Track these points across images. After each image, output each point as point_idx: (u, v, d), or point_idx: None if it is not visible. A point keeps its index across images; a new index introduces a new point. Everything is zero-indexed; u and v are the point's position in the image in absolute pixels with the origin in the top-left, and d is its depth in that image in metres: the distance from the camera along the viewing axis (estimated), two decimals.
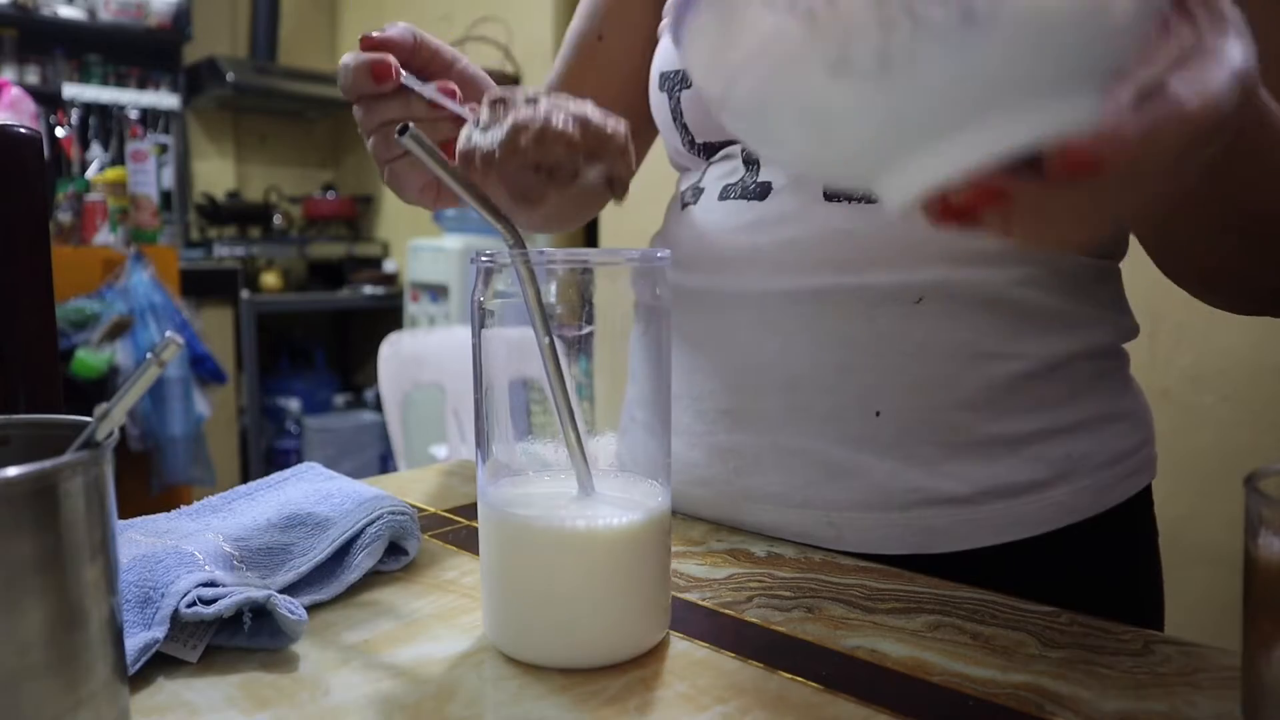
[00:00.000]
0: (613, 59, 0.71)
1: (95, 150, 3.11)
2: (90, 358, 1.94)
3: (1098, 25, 0.25)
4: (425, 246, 2.90)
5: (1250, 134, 0.38)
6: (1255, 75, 0.34)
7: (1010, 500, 0.52)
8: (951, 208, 0.28)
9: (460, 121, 0.47)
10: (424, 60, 0.51)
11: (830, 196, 0.53)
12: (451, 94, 0.49)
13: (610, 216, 2.24)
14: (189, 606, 0.39)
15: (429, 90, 0.48)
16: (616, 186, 0.45)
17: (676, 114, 0.61)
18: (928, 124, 0.26)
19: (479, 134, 0.43)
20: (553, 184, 0.43)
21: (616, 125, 0.44)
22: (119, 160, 2.98)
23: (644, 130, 0.66)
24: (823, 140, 0.28)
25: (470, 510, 0.61)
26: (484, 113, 0.44)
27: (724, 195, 0.58)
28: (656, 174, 0.69)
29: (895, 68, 0.25)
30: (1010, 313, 0.52)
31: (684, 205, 0.62)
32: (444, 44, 0.52)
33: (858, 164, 0.29)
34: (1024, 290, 0.52)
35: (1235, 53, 0.28)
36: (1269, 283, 0.48)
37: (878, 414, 0.52)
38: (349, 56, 0.48)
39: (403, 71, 0.48)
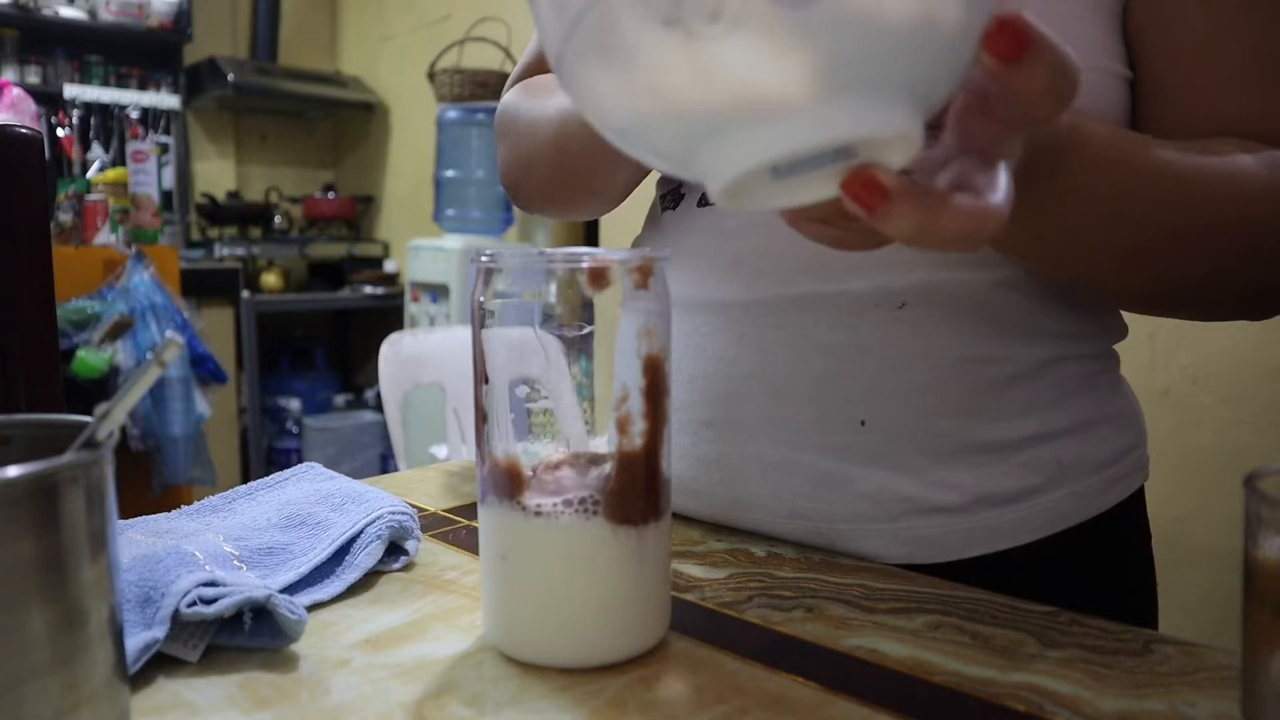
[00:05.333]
0: None
1: (96, 150, 3.11)
2: (91, 358, 1.94)
3: (925, 35, 0.26)
4: (425, 246, 2.90)
5: (1098, 173, 0.40)
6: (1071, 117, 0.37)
7: (1000, 508, 0.51)
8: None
9: None
10: None
11: None
12: None
13: (611, 216, 2.24)
14: (189, 606, 0.39)
15: None
16: None
17: None
18: (747, 97, 0.26)
19: None
20: None
21: None
22: (120, 160, 2.99)
23: None
24: (649, 98, 0.27)
25: (470, 510, 0.61)
26: None
27: (704, 201, 0.57)
28: (655, 175, 0.69)
29: (723, 30, 0.24)
30: (995, 316, 0.51)
31: (663, 210, 0.61)
32: None
33: (679, 132, 0.28)
34: (1008, 293, 0.51)
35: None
36: (1223, 297, 0.48)
37: (863, 423, 0.51)
38: None
39: None
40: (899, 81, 0.26)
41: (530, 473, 0.40)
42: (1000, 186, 0.29)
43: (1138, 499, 0.57)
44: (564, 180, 0.62)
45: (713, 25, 0.24)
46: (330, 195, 3.75)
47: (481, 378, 0.40)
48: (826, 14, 0.24)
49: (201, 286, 2.85)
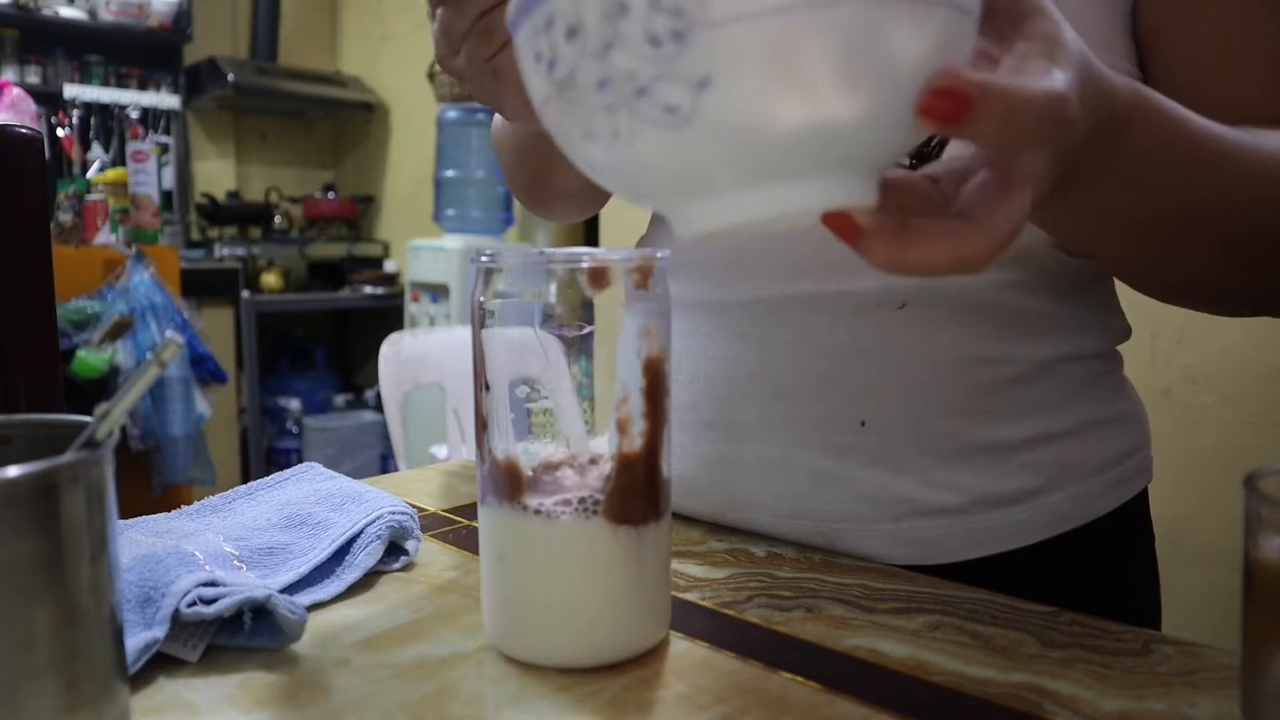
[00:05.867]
0: None
1: (96, 150, 3.11)
2: (91, 358, 1.94)
3: (821, 133, 0.26)
4: (425, 246, 2.90)
5: (1159, 140, 0.38)
6: (1134, 89, 0.35)
7: (1001, 509, 0.51)
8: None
9: None
10: None
11: None
12: None
13: (611, 217, 2.24)
14: (189, 606, 0.39)
15: None
16: None
17: None
18: (667, 189, 0.29)
19: None
20: None
21: None
22: (120, 160, 2.99)
23: None
24: (604, 181, 0.31)
25: (470, 510, 0.61)
26: None
27: None
28: None
29: (627, 144, 0.27)
30: (996, 317, 0.51)
31: None
32: None
33: (638, 198, 0.32)
34: (1009, 294, 0.51)
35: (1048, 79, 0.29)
36: (1242, 292, 0.48)
37: (863, 423, 0.51)
38: None
39: None
40: (812, 168, 0.27)
41: (530, 473, 0.40)
42: (1002, 210, 0.29)
43: (1141, 501, 0.57)
44: (531, 184, 0.66)
45: (615, 142, 0.27)
46: (330, 195, 3.75)
47: (482, 383, 0.40)
48: (707, 130, 0.26)
49: (201, 286, 2.85)
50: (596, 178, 0.31)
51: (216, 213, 3.46)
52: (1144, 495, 0.58)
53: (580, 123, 0.28)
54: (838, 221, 0.30)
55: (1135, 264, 0.47)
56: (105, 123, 3.31)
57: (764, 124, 0.26)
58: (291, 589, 0.45)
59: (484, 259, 0.40)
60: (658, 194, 0.31)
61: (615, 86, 0.26)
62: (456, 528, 0.58)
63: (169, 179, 3.43)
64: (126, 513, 0.45)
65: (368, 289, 3.40)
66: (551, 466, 0.40)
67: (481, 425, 0.41)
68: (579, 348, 0.40)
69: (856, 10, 0.25)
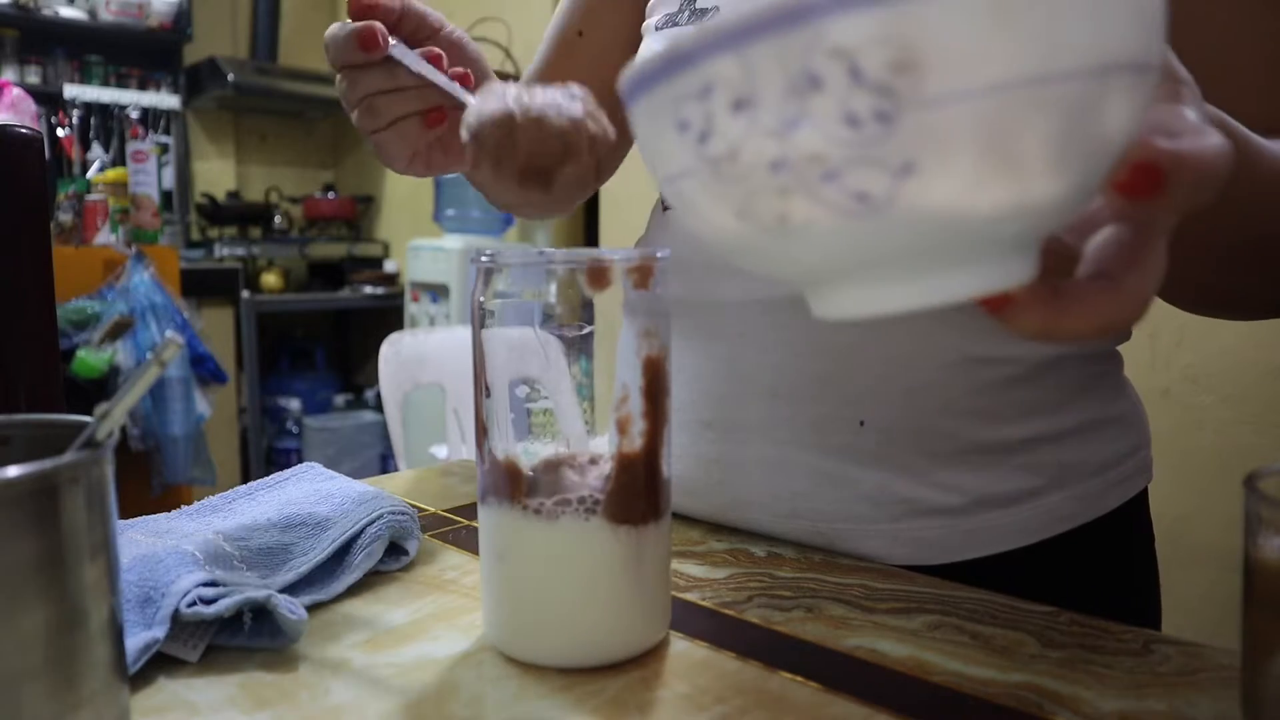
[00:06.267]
0: (592, 55, 0.71)
1: (96, 150, 3.12)
2: (91, 358, 1.94)
3: (1018, 214, 0.24)
4: (425, 246, 2.90)
5: (1237, 169, 0.37)
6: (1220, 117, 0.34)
7: (1001, 510, 0.51)
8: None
9: (444, 92, 0.49)
10: (412, 25, 0.51)
11: None
12: (438, 60, 0.49)
13: (611, 217, 2.24)
14: (189, 606, 0.39)
15: (416, 61, 0.48)
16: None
17: None
18: (834, 274, 0.26)
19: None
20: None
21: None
22: (120, 160, 2.99)
23: (626, 130, 0.66)
24: (739, 258, 0.29)
25: (470, 510, 0.61)
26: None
27: None
28: None
29: (795, 230, 0.24)
30: None
31: (665, 209, 0.61)
32: (430, 9, 0.52)
33: (775, 275, 0.29)
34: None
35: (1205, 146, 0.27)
36: (1257, 296, 0.47)
37: (862, 423, 0.51)
38: (336, 25, 0.48)
39: (391, 40, 0.48)
40: (994, 252, 0.25)
41: (530, 473, 0.40)
42: (1147, 268, 0.28)
43: (1141, 501, 0.57)
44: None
45: (780, 226, 0.25)
46: (330, 195, 3.75)
47: (483, 384, 0.40)
48: (898, 219, 0.23)
49: (201, 286, 2.85)
50: (729, 253, 0.28)
51: (216, 213, 3.46)
52: (1144, 495, 0.58)
53: (735, 202, 0.25)
54: (992, 298, 0.28)
55: (1192, 284, 0.46)
56: (105, 123, 3.31)
57: (964, 212, 0.23)
58: (291, 589, 0.45)
59: (484, 259, 0.40)
60: (809, 278, 0.28)
61: (795, 169, 0.23)
62: (456, 528, 0.58)
63: (169, 179, 3.43)
64: (126, 513, 0.45)
65: (368, 289, 3.40)
66: (551, 466, 0.40)
67: (482, 427, 0.41)
68: (579, 348, 0.40)
69: (1079, 84, 0.22)
